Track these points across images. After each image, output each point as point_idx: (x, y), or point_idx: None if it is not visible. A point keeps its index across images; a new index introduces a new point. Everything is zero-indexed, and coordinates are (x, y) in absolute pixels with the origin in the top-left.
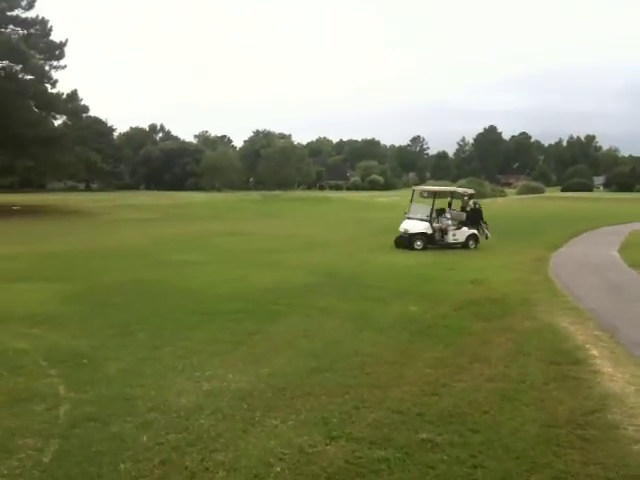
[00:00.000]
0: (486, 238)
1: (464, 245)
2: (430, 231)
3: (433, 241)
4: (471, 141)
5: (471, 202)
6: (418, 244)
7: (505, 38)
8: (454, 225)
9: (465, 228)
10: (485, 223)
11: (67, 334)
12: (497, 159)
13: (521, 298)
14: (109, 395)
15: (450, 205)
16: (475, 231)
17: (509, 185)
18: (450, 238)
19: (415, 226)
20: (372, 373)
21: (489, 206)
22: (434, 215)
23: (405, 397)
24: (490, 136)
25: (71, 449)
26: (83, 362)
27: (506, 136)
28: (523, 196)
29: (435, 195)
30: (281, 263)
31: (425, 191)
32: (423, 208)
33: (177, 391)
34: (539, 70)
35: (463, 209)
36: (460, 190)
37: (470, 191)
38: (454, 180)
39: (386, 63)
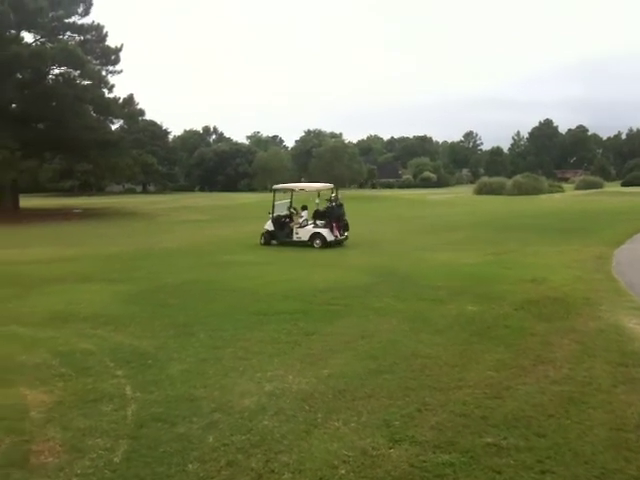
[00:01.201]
0: (338, 237)
1: (311, 243)
2: (272, 228)
3: (276, 238)
4: (526, 135)
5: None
6: (261, 241)
7: (560, 26)
8: (300, 223)
9: (310, 227)
10: (341, 222)
11: (130, 335)
12: (553, 153)
13: (584, 297)
14: (174, 395)
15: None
16: (322, 230)
17: (566, 180)
18: (294, 236)
19: (267, 224)
20: (432, 375)
21: (545, 202)
22: (295, 212)
23: (468, 400)
24: (546, 130)
25: (140, 449)
26: (148, 362)
27: (562, 129)
28: (581, 191)
29: (292, 192)
30: (334, 263)
31: (280, 189)
32: (281, 206)
33: (240, 392)
34: (595, 59)
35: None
36: (305, 186)
37: (315, 186)
38: (509, 176)
39: (435, 56)
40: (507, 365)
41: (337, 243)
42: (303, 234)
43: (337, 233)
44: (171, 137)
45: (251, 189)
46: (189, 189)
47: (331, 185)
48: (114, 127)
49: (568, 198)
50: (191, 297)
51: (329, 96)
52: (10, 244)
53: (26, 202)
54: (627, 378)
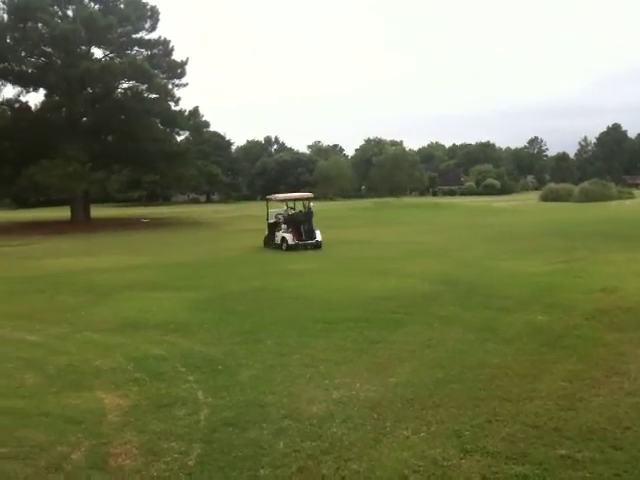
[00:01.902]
0: (299, 242)
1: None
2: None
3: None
4: (594, 140)
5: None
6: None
7: (625, 28)
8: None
9: (281, 232)
10: (304, 228)
11: (199, 341)
12: (622, 159)
13: None
14: (244, 401)
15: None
16: (286, 235)
17: (637, 186)
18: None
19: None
20: (502, 386)
21: (615, 209)
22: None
23: (540, 411)
24: (614, 135)
25: (213, 453)
26: (217, 368)
27: (632, 134)
28: None
29: (283, 201)
30: (397, 271)
31: (271, 199)
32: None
33: (308, 399)
34: None
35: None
36: (284, 196)
37: (294, 196)
38: (576, 182)
39: (498, 63)
40: (579, 376)
41: (304, 247)
42: (277, 238)
43: (296, 238)
44: (234, 148)
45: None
46: (251, 198)
47: (309, 195)
48: (180, 139)
49: (639, 204)
50: (256, 304)
51: (389, 105)
52: (82, 252)
53: (97, 212)
54: None
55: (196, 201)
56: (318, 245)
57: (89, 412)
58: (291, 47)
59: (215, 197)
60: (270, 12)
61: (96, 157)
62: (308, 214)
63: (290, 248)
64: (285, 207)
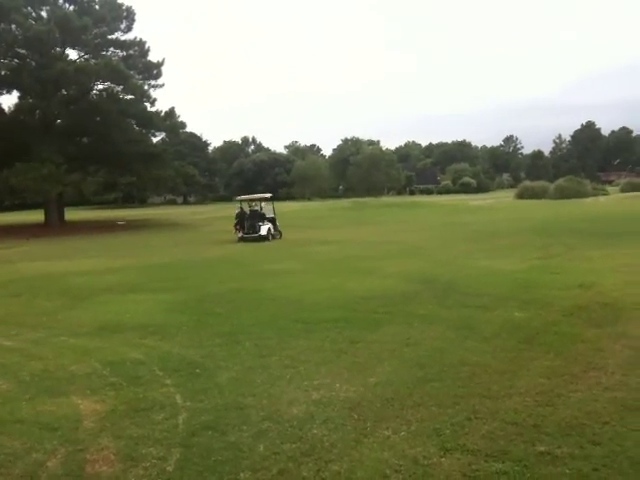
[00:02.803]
0: (243, 235)
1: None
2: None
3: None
4: (568, 138)
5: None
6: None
7: (596, 28)
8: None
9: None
10: (246, 224)
11: (177, 344)
12: (596, 156)
13: (634, 302)
14: (223, 404)
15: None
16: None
17: (610, 183)
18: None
19: None
20: (481, 383)
21: (590, 205)
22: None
23: (519, 408)
24: (588, 132)
25: (192, 458)
26: (196, 371)
27: (605, 132)
28: (627, 194)
29: (244, 201)
30: (376, 270)
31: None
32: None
33: (288, 400)
34: (632, 61)
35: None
36: (246, 197)
37: (255, 197)
38: (551, 180)
39: (473, 62)
40: (558, 372)
41: (251, 239)
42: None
43: (242, 232)
44: (211, 148)
45: (289, 197)
46: (229, 199)
47: (263, 195)
48: (156, 140)
49: (613, 201)
50: (235, 306)
51: (366, 104)
52: (57, 256)
53: (72, 215)
54: None
55: (173, 203)
56: (261, 238)
57: (65, 418)
58: (270, 48)
59: (192, 198)
60: (257, 11)
61: (71, 159)
62: (254, 212)
63: (240, 240)
64: (244, 206)
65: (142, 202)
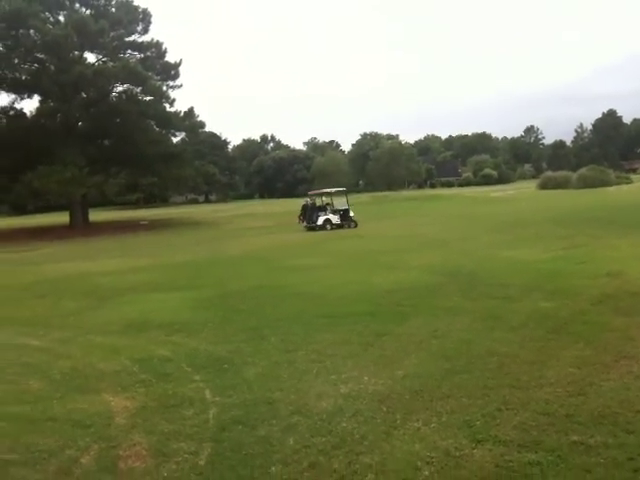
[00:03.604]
0: (307, 224)
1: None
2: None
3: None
4: (589, 127)
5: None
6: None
7: (612, 19)
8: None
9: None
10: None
11: (204, 340)
12: (619, 144)
13: None
14: (252, 399)
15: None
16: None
17: (635, 171)
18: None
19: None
20: (511, 373)
21: (613, 194)
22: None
23: (550, 398)
24: (610, 121)
25: (223, 452)
26: (224, 367)
27: (627, 119)
28: None
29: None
30: (400, 263)
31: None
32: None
33: (316, 394)
34: None
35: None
36: (319, 192)
37: (325, 191)
38: (574, 169)
39: (491, 53)
40: (588, 362)
41: (309, 229)
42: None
43: (305, 222)
44: (230, 147)
45: None
46: (249, 197)
47: (327, 190)
48: (176, 140)
49: (638, 189)
50: (260, 302)
51: (385, 99)
52: (82, 257)
53: (95, 216)
54: None
55: (194, 201)
56: (320, 227)
57: (96, 415)
58: (289, 47)
59: (213, 197)
60: (271, 12)
61: (93, 161)
62: (313, 205)
63: (305, 229)
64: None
65: (164, 201)
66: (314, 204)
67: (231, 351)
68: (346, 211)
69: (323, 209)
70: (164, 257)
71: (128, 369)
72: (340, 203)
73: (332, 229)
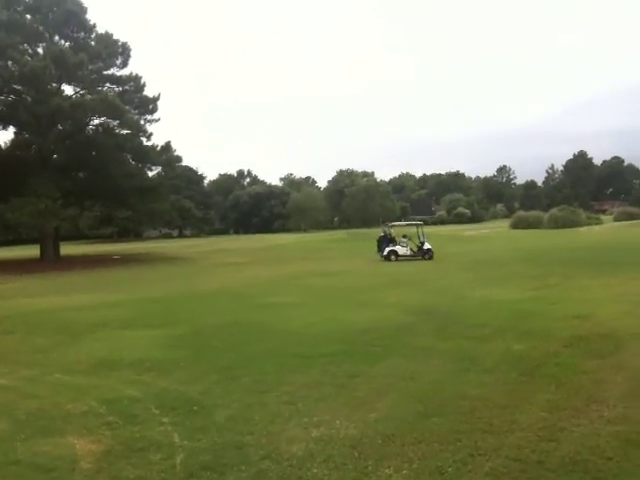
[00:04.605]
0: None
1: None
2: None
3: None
4: (560, 168)
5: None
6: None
7: (585, 55)
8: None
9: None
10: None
11: (175, 380)
12: (589, 185)
13: (633, 333)
14: (221, 443)
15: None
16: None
17: (604, 212)
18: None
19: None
20: (483, 418)
21: (584, 235)
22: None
23: (522, 443)
24: (580, 162)
25: None
26: (193, 409)
27: (597, 161)
28: (621, 223)
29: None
30: (374, 302)
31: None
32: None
33: (287, 438)
34: (623, 88)
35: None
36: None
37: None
38: (545, 209)
39: (463, 92)
40: (560, 405)
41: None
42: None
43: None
44: (206, 182)
45: (285, 230)
46: (224, 232)
47: (397, 223)
48: (152, 174)
49: (608, 230)
50: (233, 340)
51: (360, 137)
52: (53, 291)
53: (67, 249)
54: None
55: (168, 236)
56: (386, 257)
57: (60, 459)
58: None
59: (187, 232)
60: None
61: (67, 194)
62: (383, 237)
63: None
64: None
65: (138, 236)
66: (385, 235)
67: (202, 392)
68: (422, 243)
69: (392, 241)
70: (137, 292)
71: (95, 410)
72: (420, 235)
73: (397, 260)
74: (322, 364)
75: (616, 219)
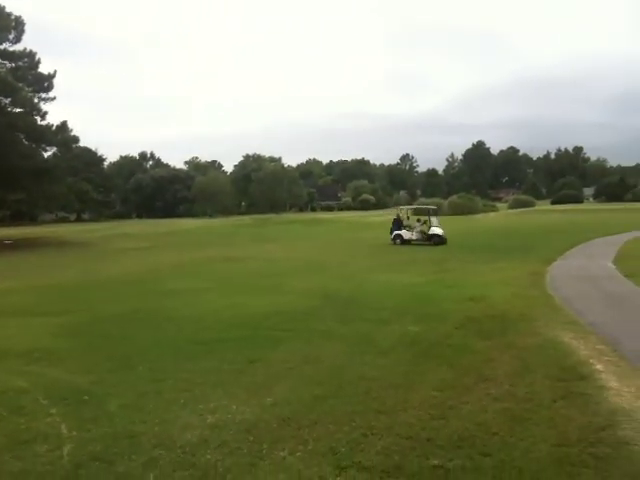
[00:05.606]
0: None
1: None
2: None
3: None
4: (460, 157)
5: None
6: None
7: (489, 48)
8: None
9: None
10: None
11: (66, 370)
12: (487, 174)
13: (521, 314)
14: (112, 432)
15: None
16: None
17: (500, 200)
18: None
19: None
20: (378, 398)
21: (480, 221)
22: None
23: (413, 422)
24: (479, 151)
25: None
26: (84, 399)
27: (494, 150)
28: (514, 210)
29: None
30: (278, 287)
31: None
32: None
33: (181, 425)
34: (524, 81)
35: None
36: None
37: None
38: (445, 197)
39: (367, 81)
40: (450, 384)
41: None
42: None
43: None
44: (106, 164)
45: (191, 215)
46: (126, 216)
47: (409, 206)
48: (47, 155)
49: (502, 217)
50: (132, 327)
51: (267, 121)
52: None
53: None
54: (566, 393)
55: (65, 220)
56: (393, 241)
57: None
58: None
59: (86, 215)
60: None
61: None
62: (397, 220)
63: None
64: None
65: (32, 220)
66: (398, 219)
67: (94, 382)
68: (432, 228)
69: (399, 225)
70: (29, 279)
71: None
72: (434, 220)
73: (402, 244)
74: (222, 350)
75: (510, 207)
